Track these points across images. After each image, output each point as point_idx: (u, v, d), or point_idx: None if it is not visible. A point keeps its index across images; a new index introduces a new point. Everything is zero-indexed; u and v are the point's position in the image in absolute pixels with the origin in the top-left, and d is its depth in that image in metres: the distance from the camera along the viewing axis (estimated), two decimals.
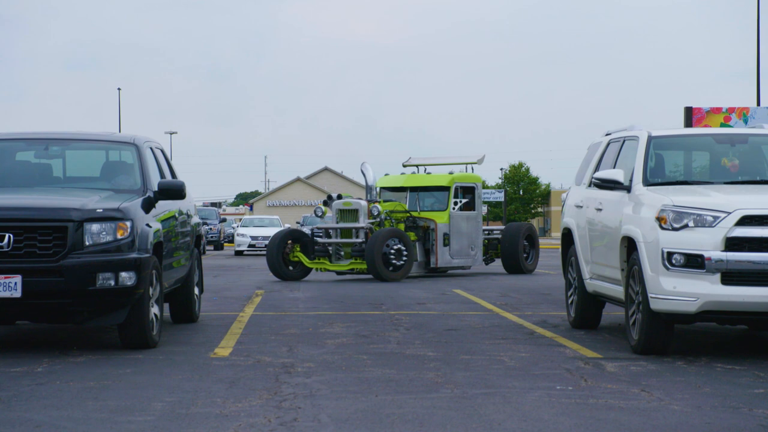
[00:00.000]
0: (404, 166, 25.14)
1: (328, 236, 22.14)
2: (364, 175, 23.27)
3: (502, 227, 25.49)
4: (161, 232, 9.90)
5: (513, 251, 24.13)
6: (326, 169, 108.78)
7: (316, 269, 22.16)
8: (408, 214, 22.78)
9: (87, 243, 8.94)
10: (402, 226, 22.51)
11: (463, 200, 23.26)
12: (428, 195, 23.36)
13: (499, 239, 24.70)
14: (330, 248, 22.02)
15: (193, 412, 6.49)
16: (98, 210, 9.08)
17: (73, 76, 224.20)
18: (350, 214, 22.01)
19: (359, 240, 21.61)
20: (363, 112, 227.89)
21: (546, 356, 9.02)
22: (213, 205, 79.21)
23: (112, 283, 8.93)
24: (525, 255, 24.61)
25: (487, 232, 24.86)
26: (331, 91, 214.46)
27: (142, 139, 10.94)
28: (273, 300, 15.79)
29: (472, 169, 24.29)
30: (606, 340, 10.28)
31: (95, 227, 8.99)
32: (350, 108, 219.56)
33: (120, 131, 45.81)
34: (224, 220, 52.26)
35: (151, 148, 11.05)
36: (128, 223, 9.14)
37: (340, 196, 22.55)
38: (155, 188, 10.30)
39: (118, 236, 9.06)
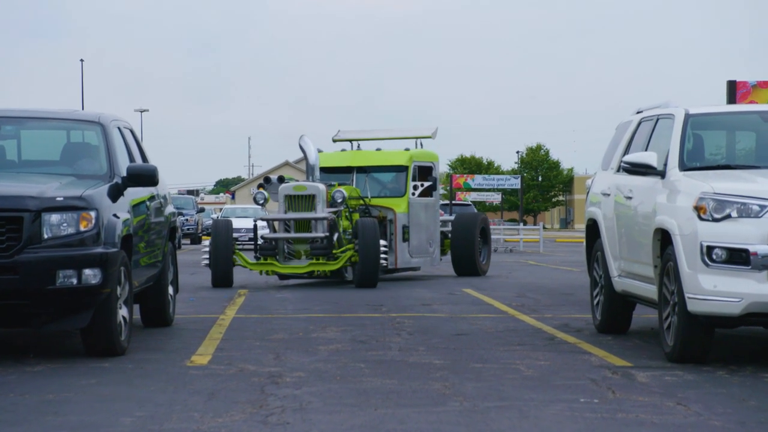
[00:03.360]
0: (334, 141, 22.76)
1: (275, 230, 19.54)
2: (303, 151, 20.50)
3: (451, 217, 23.25)
4: (131, 224, 9.89)
5: (467, 249, 21.88)
6: (318, 151, 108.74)
7: (261, 272, 19.56)
8: (362, 202, 20.66)
9: (45, 236, 8.93)
10: (357, 216, 20.08)
11: (425, 184, 21.06)
12: (381, 177, 21.15)
13: (447, 233, 22.45)
14: (276, 245, 19.28)
15: (167, 428, 6.49)
16: (58, 198, 9.06)
17: (31, 46, 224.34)
18: (303, 201, 19.23)
19: (320, 234, 18.89)
20: (361, 90, 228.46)
21: (568, 365, 9.02)
22: (190, 192, 79.26)
23: (75, 281, 8.93)
24: (478, 252, 22.37)
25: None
26: (325, 67, 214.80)
27: (109, 117, 10.94)
28: (258, 301, 15.81)
29: (421, 144, 22.12)
30: (637, 346, 10.29)
31: (55, 218, 8.98)
32: (347, 85, 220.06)
33: (83, 108, 45.70)
34: (202, 210, 52.34)
35: (118, 128, 11.04)
36: (92, 213, 9.13)
37: (282, 179, 19.91)
38: (123, 173, 10.29)
39: (81, 228, 9.05)
